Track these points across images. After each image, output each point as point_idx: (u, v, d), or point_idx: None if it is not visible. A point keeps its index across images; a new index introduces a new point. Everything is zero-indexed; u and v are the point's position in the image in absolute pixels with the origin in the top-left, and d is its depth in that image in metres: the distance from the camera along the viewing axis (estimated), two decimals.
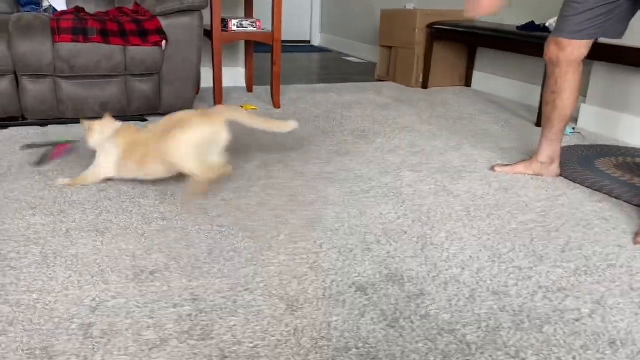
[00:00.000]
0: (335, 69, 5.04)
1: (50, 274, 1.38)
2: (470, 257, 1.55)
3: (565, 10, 1.92)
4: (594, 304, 1.34)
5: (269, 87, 3.79)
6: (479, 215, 1.84)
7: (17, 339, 1.14)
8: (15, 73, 2.49)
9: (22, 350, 1.10)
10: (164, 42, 2.62)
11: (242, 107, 3.18)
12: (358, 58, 5.71)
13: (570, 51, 1.93)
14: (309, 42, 6.91)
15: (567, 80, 1.98)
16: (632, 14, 1.92)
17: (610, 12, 1.86)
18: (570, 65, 1.96)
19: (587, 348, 1.18)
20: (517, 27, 3.26)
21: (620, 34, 1.95)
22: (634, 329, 1.25)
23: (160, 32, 2.59)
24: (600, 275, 1.47)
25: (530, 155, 2.41)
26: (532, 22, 3.23)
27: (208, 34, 3.05)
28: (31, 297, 1.28)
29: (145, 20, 2.60)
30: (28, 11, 2.88)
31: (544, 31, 3.14)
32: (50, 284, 1.34)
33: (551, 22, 3.14)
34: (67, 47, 2.47)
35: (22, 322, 1.19)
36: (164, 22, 2.63)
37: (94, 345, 1.13)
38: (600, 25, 1.89)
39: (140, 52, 2.59)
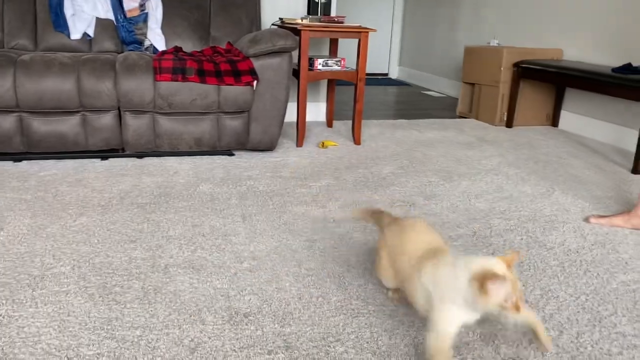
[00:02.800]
0: (414, 103, 5.03)
1: (151, 311, 1.45)
2: (569, 319, 1.48)
3: None
4: None
5: (347, 122, 3.84)
6: (575, 272, 1.76)
7: None
8: (119, 108, 2.67)
9: None
10: (255, 82, 2.73)
11: (323, 142, 3.24)
12: (437, 92, 5.68)
13: None
14: (386, 74, 6.95)
15: None
16: None
17: None
18: None
19: None
20: (613, 69, 3.13)
21: None
22: None
23: (253, 73, 2.70)
24: None
25: (628, 206, 2.29)
26: (630, 64, 3.10)
27: (295, 72, 3.14)
28: (135, 334, 1.35)
29: (239, 60, 2.72)
30: (131, 50, 3.10)
31: None
32: (152, 321, 1.40)
33: None
34: (166, 86, 2.63)
35: (128, 359, 1.25)
36: (256, 63, 2.74)
37: None
38: None
39: (233, 91, 2.70)
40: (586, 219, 2.18)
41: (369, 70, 6.72)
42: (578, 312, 1.52)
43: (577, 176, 2.79)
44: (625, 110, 3.39)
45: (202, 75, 2.64)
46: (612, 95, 3.16)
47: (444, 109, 4.69)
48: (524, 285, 1.65)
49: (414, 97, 5.37)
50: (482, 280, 1.10)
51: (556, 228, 2.10)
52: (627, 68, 3.07)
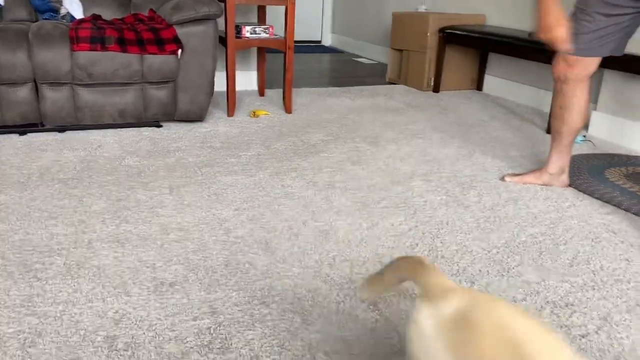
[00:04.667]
0: (346, 70, 5.07)
1: (74, 286, 1.44)
2: (480, 271, 1.59)
3: (575, 28, 1.94)
4: (601, 320, 1.37)
5: (280, 90, 3.83)
6: (489, 227, 1.87)
7: (47, 350, 1.20)
8: (34, 81, 2.55)
9: None
10: (179, 51, 2.67)
11: (254, 112, 3.23)
12: (369, 59, 5.74)
13: (579, 70, 1.96)
14: (319, 42, 6.94)
15: (576, 95, 2.00)
16: (636, 28, 1.94)
17: (619, 30, 1.88)
18: (579, 82, 1.98)
19: None
20: (529, 34, 3.28)
21: (623, 49, 1.97)
22: (638, 345, 1.28)
23: (177, 41, 2.64)
24: (607, 291, 1.51)
25: (539, 164, 2.44)
26: None
27: (222, 39, 3.09)
28: (57, 309, 1.34)
29: (162, 28, 2.65)
30: (46, 19, 2.94)
31: None
32: (75, 296, 1.39)
33: None
34: (85, 56, 2.53)
35: (50, 333, 1.25)
36: (179, 31, 2.67)
37: (118, 358, 1.18)
38: (609, 43, 1.91)
39: (157, 61, 2.64)
40: (502, 178, 2.31)
41: (301, 37, 6.68)
42: (489, 264, 1.63)
43: (497, 137, 2.94)
44: (542, 73, 3.57)
45: (123, 44, 2.56)
46: (529, 59, 3.31)
47: (375, 75, 4.76)
48: (441, 242, 1.75)
49: (346, 65, 5.40)
50: None
51: (474, 187, 2.22)
52: None
